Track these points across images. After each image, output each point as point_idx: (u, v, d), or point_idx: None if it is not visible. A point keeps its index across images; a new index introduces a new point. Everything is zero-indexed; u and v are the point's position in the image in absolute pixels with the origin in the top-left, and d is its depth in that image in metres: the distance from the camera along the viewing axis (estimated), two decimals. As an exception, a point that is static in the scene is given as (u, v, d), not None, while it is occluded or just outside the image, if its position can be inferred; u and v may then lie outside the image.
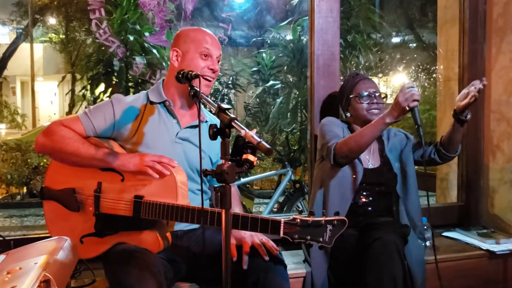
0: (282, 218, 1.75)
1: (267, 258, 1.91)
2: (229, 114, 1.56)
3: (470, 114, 2.33)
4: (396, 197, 2.52)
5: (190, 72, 1.90)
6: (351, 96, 2.54)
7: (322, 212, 1.72)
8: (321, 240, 1.68)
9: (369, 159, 2.51)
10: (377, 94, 2.49)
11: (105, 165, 1.95)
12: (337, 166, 2.41)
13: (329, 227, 1.67)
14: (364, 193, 2.46)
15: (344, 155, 2.32)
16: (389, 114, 2.21)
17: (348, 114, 2.59)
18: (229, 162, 1.50)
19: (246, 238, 1.97)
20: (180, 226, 2.06)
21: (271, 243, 1.97)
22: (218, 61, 2.14)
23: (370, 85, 2.52)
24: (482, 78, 2.27)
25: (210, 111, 2.24)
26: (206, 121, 2.20)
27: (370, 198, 2.46)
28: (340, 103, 2.65)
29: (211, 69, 2.09)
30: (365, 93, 2.48)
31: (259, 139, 1.46)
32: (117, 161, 1.93)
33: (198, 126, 2.10)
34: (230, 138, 1.56)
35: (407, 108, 2.15)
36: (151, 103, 2.12)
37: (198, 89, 1.80)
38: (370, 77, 2.68)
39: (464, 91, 2.28)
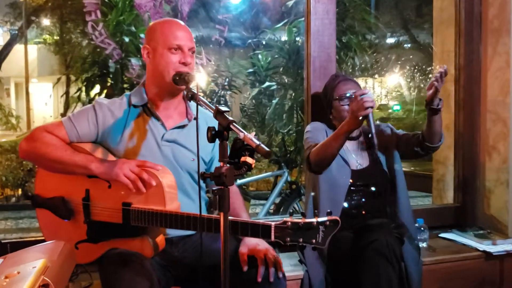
0: (274, 221, 1.73)
1: (272, 279, 1.87)
2: (228, 116, 1.55)
3: (442, 102, 2.27)
4: (389, 197, 2.51)
5: (188, 75, 1.90)
6: (332, 99, 2.52)
7: (314, 213, 1.70)
8: (314, 241, 1.65)
9: (357, 160, 2.51)
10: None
11: (88, 172, 1.92)
12: (314, 174, 2.42)
13: (322, 228, 1.64)
14: (356, 195, 2.45)
15: (316, 164, 2.35)
16: (346, 123, 2.21)
17: (332, 117, 2.58)
18: (228, 165, 1.49)
19: (261, 249, 1.92)
20: (176, 232, 2.00)
21: (280, 265, 1.92)
22: (193, 53, 2.05)
23: (350, 86, 2.50)
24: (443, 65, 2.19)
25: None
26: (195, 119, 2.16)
27: (363, 199, 2.46)
28: (324, 106, 2.64)
29: (183, 62, 1.98)
30: (346, 95, 2.47)
31: (258, 142, 1.46)
32: (100, 169, 1.89)
33: (185, 126, 2.09)
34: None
35: (360, 117, 2.15)
36: (134, 106, 2.07)
37: (195, 91, 1.79)
38: (351, 77, 2.64)
39: (432, 79, 2.21)
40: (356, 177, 2.46)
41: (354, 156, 2.52)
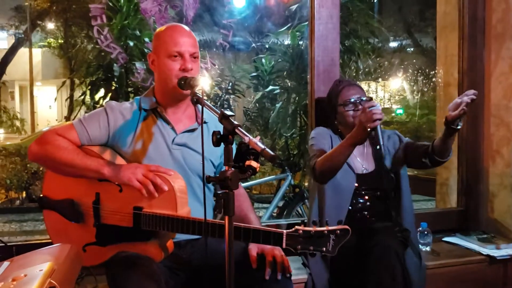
0: (283, 222, 1.74)
1: (279, 277, 1.88)
2: (233, 121, 1.56)
3: (462, 123, 2.23)
4: (394, 201, 2.52)
5: (193, 79, 1.91)
6: (337, 104, 2.51)
7: (326, 222, 1.72)
8: (324, 249, 1.67)
9: (363, 164, 2.51)
10: (363, 98, 2.45)
11: (100, 176, 1.91)
12: (320, 183, 2.42)
13: (332, 236, 1.66)
14: (361, 198, 2.46)
15: (322, 174, 2.34)
16: (354, 134, 2.19)
17: (337, 122, 2.57)
18: (232, 169, 1.50)
19: (270, 249, 1.94)
20: (184, 236, 1.98)
21: (287, 264, 1.94)
22: (196, 58, 2.04)
23: (355, 91, 2.48)
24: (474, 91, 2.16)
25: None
26: (206, 122, 2.14)
27: (368, 203, 2.46)
28: (329, 112, 2.63)
29: (183, 69, 1.98)
30: (350, 100, 2.45)
31: (263, 146, 1.46)
32: (112, 173, 1.89)
33: (194, 130, 2.09)
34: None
35: (368, 129, 2.12)
36: (145, 110, 2.08)
37: (200, 95, 1.81)
38: (357, 82, 2.63)
39: (457, 100, 2.17)
40: (361, 181, 2.46)
41: (360, 160, 2.52)
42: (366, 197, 2.45)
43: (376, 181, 2.48)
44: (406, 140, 2.57)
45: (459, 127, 2.21)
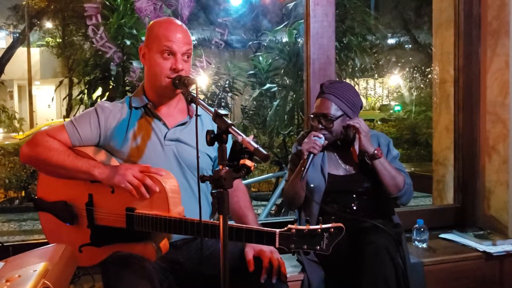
0: (279, 220, 1.73)
1: (274, 280, 1.87)
2: (226, 120, 1.55)
3: (378, 151, 2.33)
4: (387, 199, 2.52)
5: (187, 78, 1.90)
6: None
7: (318, 220, 1.71)
8: (318, 248, 1.65)
9: (346, 167, 2.51)
10: (327, 114, 2.37)
11: (91, 178, 1.89)
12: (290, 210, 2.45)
13: (326, 235, 1.64)
14: (350, 198, 2.43)
15: (287, 202, 2.41)
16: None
17: None
18: (227, 168, 1.50)
19: (266, 252, 1.91)
20: (180, 236, 1.95)
21: (284, 268, 1.92)
22: (188, 57, 1.99)
23: (321, 105, 2.41)
24: None
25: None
26: (199, 115, 2.07)
27: (356, 202, 2.43)
28: None
29: (174, 69, 1.93)
30: (313, 113, 2.43)
31: (256, 145, 1.46)
32: (103, 175, 1.86)
33: (186, 123, 2.06)
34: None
35: (305, 153, 2.26)
36: (136, 108, 2.05)
37: (195, 95, 1.80)
38: (341, 86, 2.47)
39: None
40: (348, 181, 2.46)
41: (342, 163, 2.52)
42: (357, 196, 2.44)
43: (365, 180, 2.47)
44: (394, 154, 2.53)
45: (369, 156, 2.34)
